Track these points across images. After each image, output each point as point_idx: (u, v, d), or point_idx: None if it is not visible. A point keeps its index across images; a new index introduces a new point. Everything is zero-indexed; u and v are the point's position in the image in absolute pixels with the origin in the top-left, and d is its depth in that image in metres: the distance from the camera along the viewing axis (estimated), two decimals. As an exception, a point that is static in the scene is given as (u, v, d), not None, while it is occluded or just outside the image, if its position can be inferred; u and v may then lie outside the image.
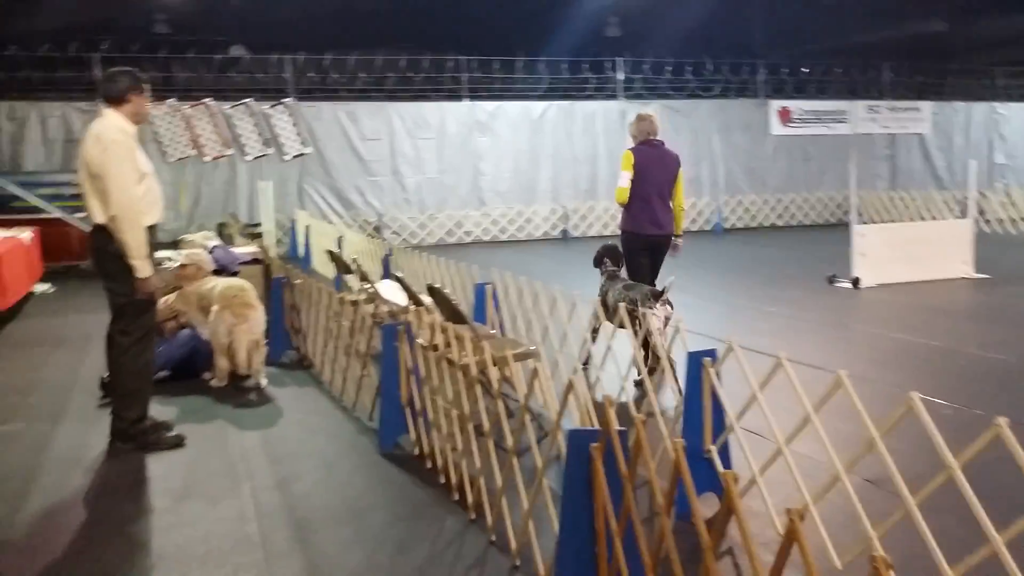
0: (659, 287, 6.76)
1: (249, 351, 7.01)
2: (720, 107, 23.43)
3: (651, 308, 6.35)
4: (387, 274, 9.80)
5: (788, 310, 10.58)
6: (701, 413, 4.28)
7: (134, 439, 5.56)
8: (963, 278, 12.60)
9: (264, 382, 7.14)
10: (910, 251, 12.45)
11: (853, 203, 12.56)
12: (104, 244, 5.37)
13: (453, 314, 5.54)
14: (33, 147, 17.87)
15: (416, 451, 5.31)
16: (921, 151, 25.52)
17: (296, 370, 7.80)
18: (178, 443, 5.66)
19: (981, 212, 18.11)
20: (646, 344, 6.09)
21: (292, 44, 20.38)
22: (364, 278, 7.61)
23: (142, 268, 5.37)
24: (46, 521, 4.54)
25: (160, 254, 7.06)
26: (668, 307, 6.51)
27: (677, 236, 7.66)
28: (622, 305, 5.68)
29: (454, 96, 21.33)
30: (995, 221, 19.95)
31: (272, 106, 19.52)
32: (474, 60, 21.39)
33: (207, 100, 19.08)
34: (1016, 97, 26.56)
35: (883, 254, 12.18)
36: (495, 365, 4.82)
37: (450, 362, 5.09)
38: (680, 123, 22.90)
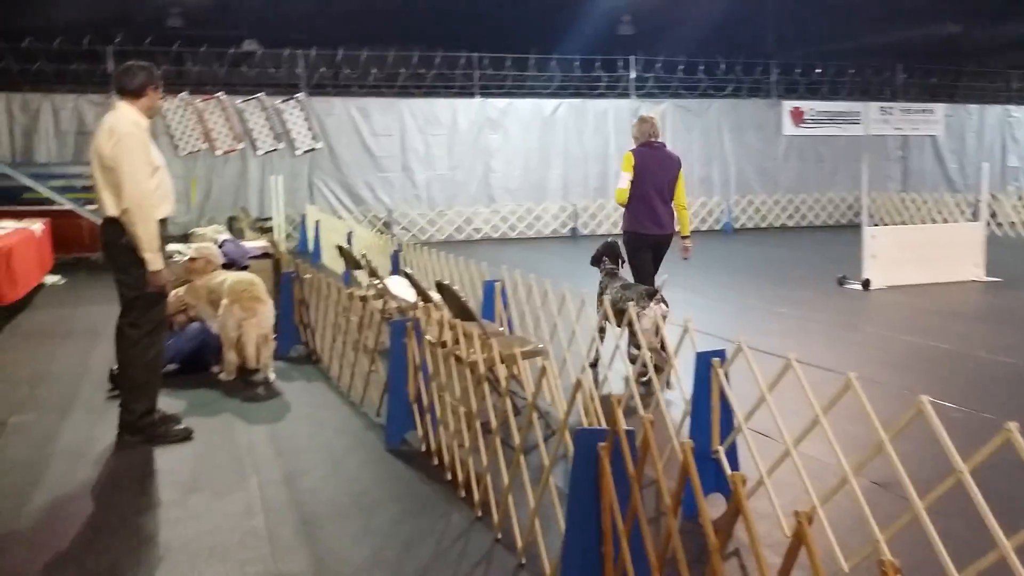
0: (659, 285, 6.84)
1: (258, 345, 7.02)
2: (732, 107, 23.37)
3: (645, 308, 6.43)
4: (396, 270, 9.81)
5: (798, 311, 10.55)
6: (709, 413, 4.27)
7: (142, 432, 5.58)
8: (974, 281, 12.54)
9: (272, 376, 7.15)
10: (921, 253, 12.40)
11: (864, 204, 12.51)
12: (116, 237, 5.39)
13: (462, 311, 5.54)
14: (45, 139, 17.93)
15: (423, 447, 5.31)
16: (934, 153, 25.42)
17: (304, 365, 7.81)
18: (186, 436, 5.67)
19: (993, 215, 18.04)
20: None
21: (305, 39, 20.39)
22: (373, 274, 7.62)
23: (154, 261, 5.38)
24: (54, 513, 4.56)
25: (170, 247, 7.08)
26: (663, 306, 6.60)
27: (685, 237, 7.79)
28: (626, 304, 5.77)
29: (466, 93, 21.31)
30: (1007, 224, 19.85)
31: (284, 101, 19.54)
32: (486, 57, 21.36)
33: (219, 94, 19.12)
34: (1030, 100, 26.46)
35: (894, 256, 12.13)
36: (503, 363, 4.81)
37: (458, 359, 5.09)
38: (692, 122, 22.87)
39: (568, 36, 22.78)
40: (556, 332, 6.29)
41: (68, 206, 15.25)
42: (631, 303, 6.06)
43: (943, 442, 2.96)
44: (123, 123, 5.38)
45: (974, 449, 2.92)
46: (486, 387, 4.69)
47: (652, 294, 6.65)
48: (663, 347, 6.42)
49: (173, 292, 7.09)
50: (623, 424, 3.13)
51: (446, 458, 4.93)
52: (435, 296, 6.20)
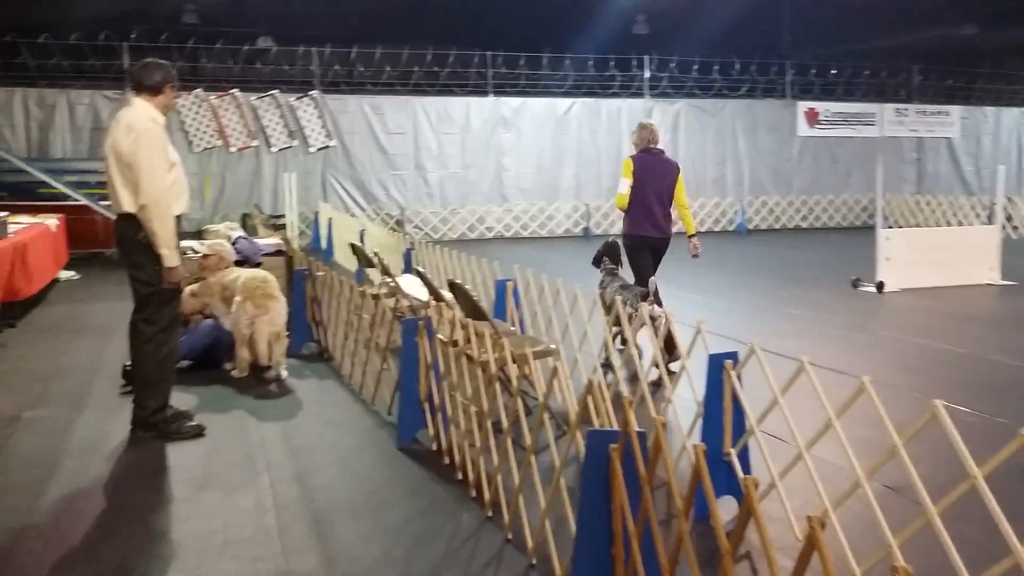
0: (651, 288, 7.04)
1: (270, 342, 7.04)
2: (746, 107, 23.30)
3: (637, 308, 6.59)
4: (408, 268, 9.81)
5: (811, 313, 10.51)
6: (721, 416, 4.26)
7: (155, 428, 5.60)
8: (989, 284, 12.47)
9: (285, 374, 7.17)
10: (936, 256, 12.34)
11: (879, 206, 12.46)
12: (132, 233, 5.40)
13: (473, 310, 5.54)
14: (61, 134, 18.03)
15: (434, 447, 5.32)
16: (949, 155, 25.30)
17: (316, 362, 7.82)
18: (198, 433, 5.69)
19: (1009, 218, 17.95)
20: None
21: (319, 37, 20.42)
22: (385, 272, 7.62)
23: (170, 257, 5.40)
24: (67, 507, 4.58)
25: (184, 244, 7.10)
26: (655, 307, 6.77)
27: (692, 236, 8.03)
28: (618, 299, 6.04)
29: (479, 91, 21.31)
30: (1023, 227, 19.73)
31: (298, 98, 19.59)
32: (500, 56, 21.35)
33: (234, 91, 19.18)
34: (1047, 103, 26.29)
35: (908, 258, 12.08)
36: (515, 362, 4.81)
37: (469, 358, 5.09)
38: (706, 122, 22.82)
39: (582, 35, 22.72)
40: (568, 332, 6.28)
41: (83, 201, 15.31)
42: (622, 302, 6.23)
43: (957, 447, 2.94)
44: (141, 119, 5.40)
45: (989, 454, 2.90)
46: (497, 387, 4.69)
47: (645, 295, 6.87)
48: (669, 345, 6.49)
49: (188, 289, 7.11)
50: (635, 426, 3.12)
51: (457, 458, 4.92)
52: (447, 295, 6.20)
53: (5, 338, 8.81)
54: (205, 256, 7.62)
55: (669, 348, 6.73)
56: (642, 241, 7.73)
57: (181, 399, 6.16)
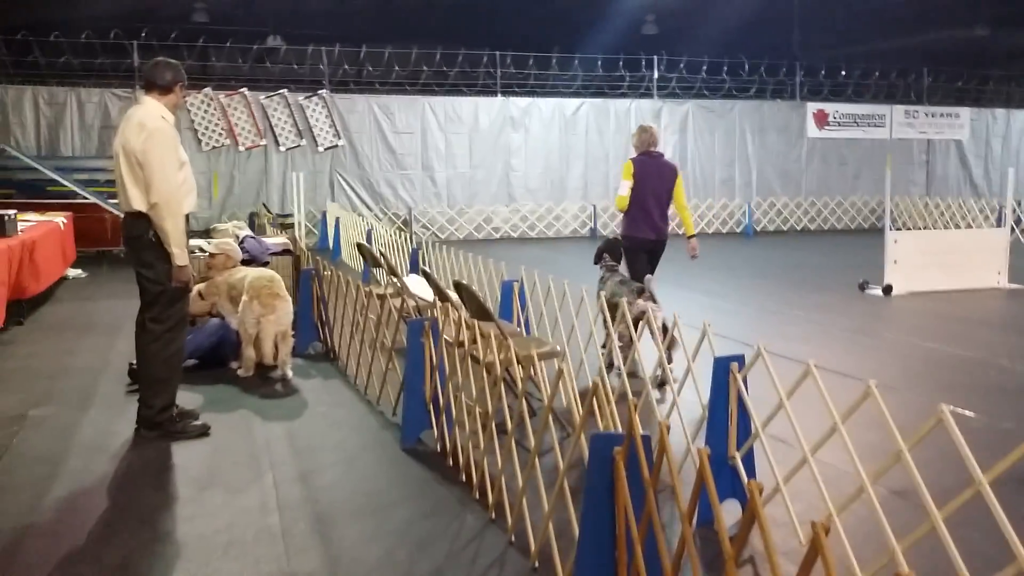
0: (647, 285, 7.19)
1: (276, 342, 7.03)
2: (755, 108, 23.28)
3: (631, 304, 6.66)
4: (415, 268, 9.81)
5: (818, 315, 10.48)
6: (726, 419, 4.24)
7: (160, 427, 5.60)
8: (997, 288, 12.42)
9: (290, 374, 7.17)
10: (944, 259, 12.29)
11: (887, 209, 12.42)
12: (142, 232, 5.41)
13: (479, 311, 5.53)
14: (70, 132, 18.09)
15: (438, 448, 5.31)
16: (958, 158, 25.23)
17: (322, 362, 7.83)
18: (203, 432, 5.69)
19: (1018, 221, 17.86)
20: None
21: (328, 36, 20.47)
22: (392, 272, 7.62)
23: (181, 256, 5.41)
24: (71, 506, 4.59)
25: (191, 243, 7.11)
26: (651, 303, 6.87)
27: (691, 236, 8.27)
28: (618, 299, 6.24)
29: (488, 91, 21.32)
30: (1032, 230, 19.64)
31: (307, 97, 19.63)
32: (508, 55, 21.36)
33: (243, 89, 19.22)
34: (1058, 105, 26.19)
35: (916, 261, 12.04)
36: (520, 364, 4.80)
37: (475, 359, 5.08)
38: (714, 123, 22.80)
39: (591, 35, 22.74)
40: (574, 333, 6.27)
41: (92, 199, 15.35)
42: (622, 298, 6.45)
43: (962, 452, 2.92)
44: (152, 118, 5.41)
45: (995, 459, 2.88)
46: (502, 388, 4.68)
47: (640, 291, 7.00)
48: (664, 338, 6.57)
49: (195, 290, 7.13)
50: (639, 429, 3.11)
51: (461, 459, 4.92)
52: (453, 295, 6.19)
53: (12, 336, 8.83)
54: (212, 255, 7.63)
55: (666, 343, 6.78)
56: (639, 243, 7.88)
57: (186, 398, 6.17)
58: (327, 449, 5.50)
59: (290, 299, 7.28)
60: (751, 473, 4.28)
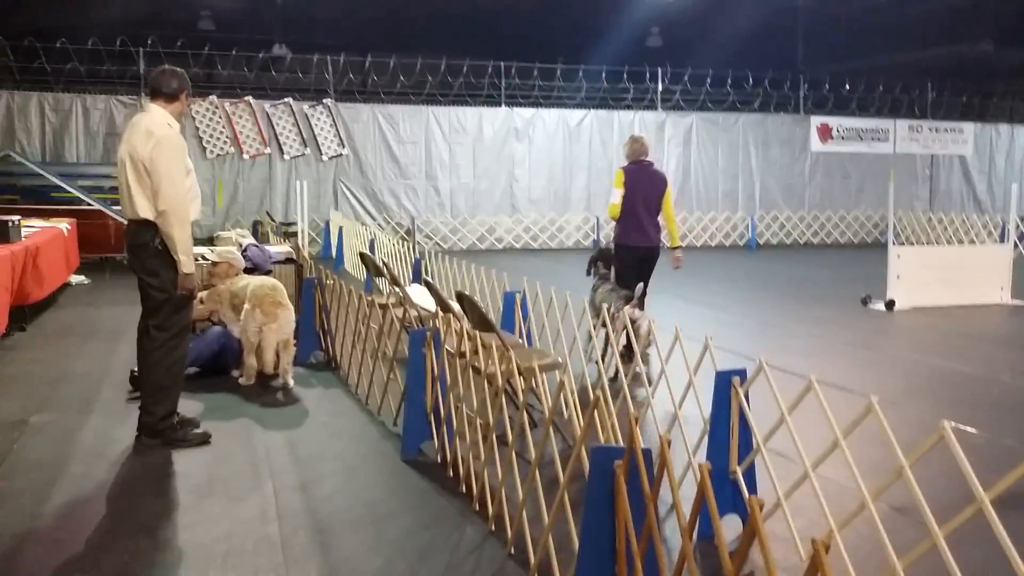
0: (637, 294, 7.34)
1: (278, 351, 7.03)
2: (759, 121, 23.30)
3: (619, 311, 6.88)
4: (417, 278, 9.82)
5: (820, 330, 10.47)
6: (727, 433, 4.23)
7: (161, 435, 5.59)
8: (1000, 304, 12.41)
9: (291, 382, 7.16)
10: (947, 274, 12.28)
11: (890, 223, 12.41)
12: (147, 240, 5.41)
13: (481, 322, 5.53)
14: (75, 139, 18.13)
15: (439, 459, 5.30)
16: (962, 173, 25.23)
17: (323, 371, 7.82)
18: (204, 440, 5.68)
19: (1021, 237, 17.85)
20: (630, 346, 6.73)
21: (334, 45, 20.53)
22: (394, 282, 7.62)
23: (187, 264, 5.42)
24: (70, 513, 4.58)
25: (195, 250, 7.11)
26: (637, 311, 7.07)
27: (675, 248, 8.43)
28: (604, 306, 6.35)
29: (492, 101, 21.36)
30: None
31: (312, 106, 19.67)
32: (513, 66, 21.40)
33: (248, 98, 19.27)
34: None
35: (919, 276, 12.02)
36: (521, 375, 4.79)
37: (476, 370, 5.08)
38: (718, 136, 22.83)
39: (596, 47, 22.79)
40: (575, 345, 6.27)
41: (96, 206, 15.38)
42: (609, 305, 6.64)
43: (964, 470, 2.91)
44: (159, 126, 5.42)
45: (997, 476, 2.87)
46: (503, 399, 4.67)
47: (629, 299, 7.15)
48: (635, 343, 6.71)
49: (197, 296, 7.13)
50: (640, 442, 3.10)
51: (461, 470, 4.91)
52: (455, 306, 6.19)
53: (14, 341, 8.84)
54: (214, 264, 7.64)
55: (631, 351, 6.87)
56: (631, 251, 8.03)
57: (188, 406, 6.16)
58: (327, 458, 5.50)
59: (292, 308, 7.28)
60: (752, 488, 4.27)
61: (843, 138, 23.95)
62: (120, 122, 17.66)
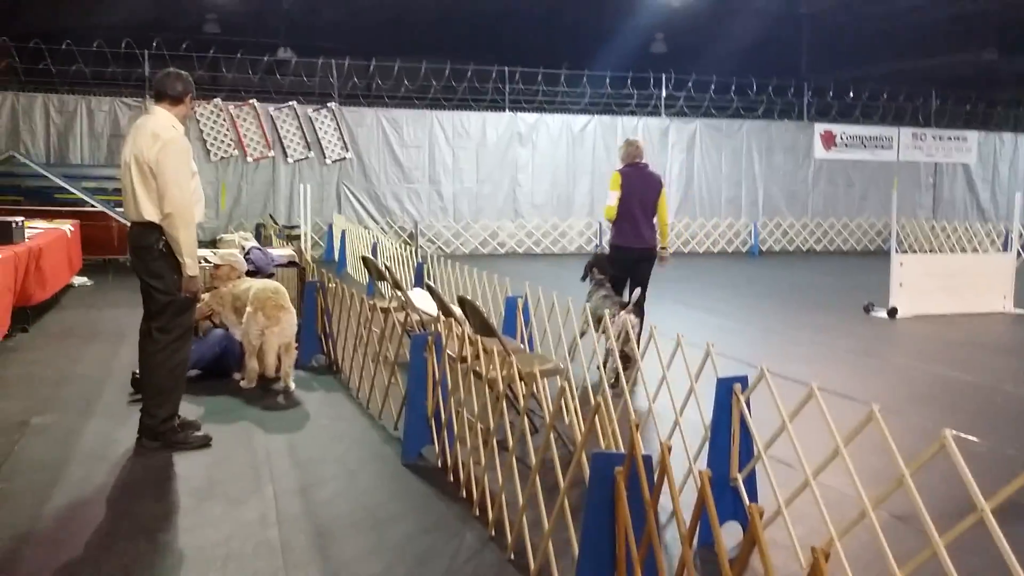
0: (634, 299, 7.46)
1: (280, 354, 7.03)
2: (763, 128, 23.30)
3: (614, 317, 6.92)
4: (420, 282, 9.82)
5: (822, 337, 10.46)
6: (728, 440, 4.23)
7: (162, 437, 5.59)
8: (1003, 312, 12.39)
9: (292, 386, 7.16)
10: (950, 283, 12.26)
11: (893, 231, 12.41)
12: (151, 242, 5.41)
13: (483, 326, 5.53)
14: (80, 140, 18.16)
15: (439, 463, 5.30)
16: (965, 181, 25.21)
17: (325, 375, 7.82)
18: (205, 443, 5.68)
19: (1024, 245, 17.85)
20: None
21: (338, 49, 20.56)
22: (396, 286, 7.63)
23: (192, 266, 5.43)
24: (71, 515, 4.58)
25: (199, 253, 7.12)
26: (632, 316, 7.13)
27: (663, 248, 8.43)
28: (603, 312, 6.56)
29: (496, 106, 21.37)
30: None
31: (316, 109, 19.69)
32: (517, 71, 21.41)
33: (252, 100, 19.29)
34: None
35: (922, 284, 12.01)
36: (522, 380, 4.79)
37: (477, 375, 5.08)
38: (721, 142, 22.83)
39: (600, 52, 22.80)
40: (577, 351, 6.27)
41: (100, 208, 15.40)
42: (606, 311, 6.75)
43: (965, 479, 2.91)
44: (165, 128, 5.43)
45: (998, 486, 2.86)
46: (504, 404, 4.67)
47: (624, 305, 7.25)
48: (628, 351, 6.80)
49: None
50: (641, 449, 3.10)
51: (462, 475, 4.91)
52: (457, 310, 6.19)
53: (17, 342, 8.84)
54: (217, 266, 7.64)
55: (628, 358, 6.89)
56: (627, 252, 8.06)
57: (189, 408, 6.17)
58: (328, 462, 5.50)
59: (294, 311, 7.28)
60: (752, 495, 4.26)
61: (847, 145, 23.94)
62: (124, 124, 17.68)
